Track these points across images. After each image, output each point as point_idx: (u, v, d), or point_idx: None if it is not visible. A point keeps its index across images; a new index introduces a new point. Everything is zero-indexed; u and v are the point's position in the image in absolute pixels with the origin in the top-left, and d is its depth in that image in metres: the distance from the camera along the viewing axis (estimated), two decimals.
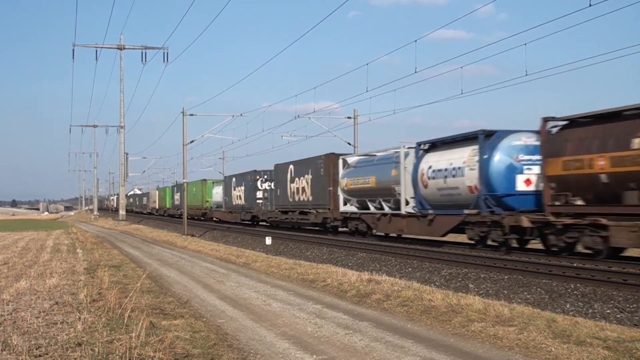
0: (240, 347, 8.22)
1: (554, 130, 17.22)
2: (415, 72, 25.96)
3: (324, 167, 30.83)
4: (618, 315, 10.84)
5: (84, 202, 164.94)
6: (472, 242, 20.44)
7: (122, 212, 57.38)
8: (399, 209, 24.00)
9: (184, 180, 44.24)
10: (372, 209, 26.44)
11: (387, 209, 25.17)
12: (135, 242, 32.62)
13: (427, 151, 22.66)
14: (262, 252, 24.40)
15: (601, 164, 15.10)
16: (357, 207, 28.18)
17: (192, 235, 36.39)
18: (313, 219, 32.04)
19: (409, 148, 23.92)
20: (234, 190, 47.19)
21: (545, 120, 17.25)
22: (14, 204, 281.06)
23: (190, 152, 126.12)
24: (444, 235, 22.04)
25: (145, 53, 53.83)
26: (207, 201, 57.34)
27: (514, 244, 19.19)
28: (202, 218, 58.09)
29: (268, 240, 28.00)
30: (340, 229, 30.38)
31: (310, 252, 23.88)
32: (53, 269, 15.82)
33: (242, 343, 8.49)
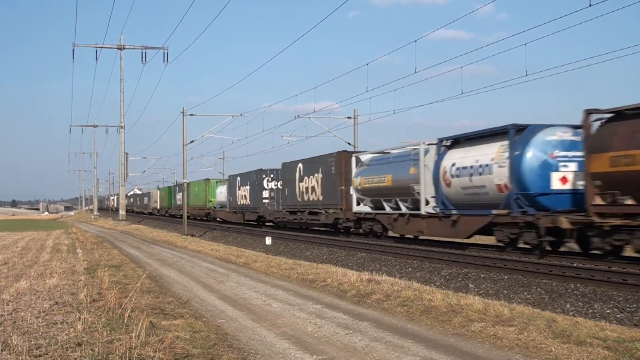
0: (240, 347, 8.22)
1: (597, 124, 15.91)
2: (415, 72, 25.98)
3: (335, 166, 29.58)
4: (618, 315, 10.84)
5: (84, 202, 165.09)
6: (501, 244, 18.87)
7: (122, 212, 57.39)
8: (417, 208, 22.74)
9: (184, 180, 44.26)
10: (388, 209, 25.06)
11: (404, 209, 23.83)
12: (135, 242, 32.62)
13: (449, 147, 21.21)
14: (262, 252, 24.40)
15: None
16: (370, 207, 26.82)
17: (192, 235, 36.40)
18: (324, 219, 30.73)
19: (429, 144, 22.43)
20: (239, 189, 45.91)
21: (588, 112, 15.96)
22: (14, 204, 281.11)
23: (190, 152, 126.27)
24: (468, 237, 20.74)
25: (145, 53, 53.96)
26: (211, 201, 56.22)
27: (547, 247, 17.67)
28: (205, 218, 57.17)
29: (268, 240, 28.00)
30: (352, 230, 28.91)
31: (310, 252, 23.88)
32: (53, 269, 15.82)
33: (242, 343, 8.49)
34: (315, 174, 31.70)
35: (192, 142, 44.00)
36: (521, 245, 18.41)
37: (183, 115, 41.13)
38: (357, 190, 27.40)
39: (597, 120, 16.01)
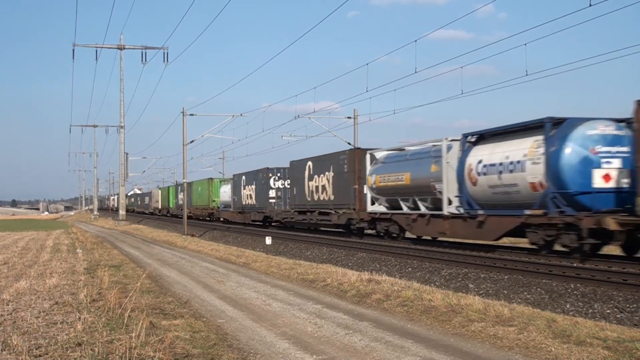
0: (240, 347, 8.22)
1: None
2: (415, 72, 25.86)
3: (348, 163, 28.45)
4: (618, 315, 10.84)
5: (84, 202, 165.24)
6: (534, 247, 17.64)
7: (122, 212, 57.38)
8: (437, 208, 21.59)
9: (184, 180, 44.28)
10: (405, 209, 23.90)
11: (423, 209, 22.66)
12: (135, 242, 32.63)
13: (474, 144, 19.97)
14: (262, 252, 24.41)
15: None
16: (386, 207, 25.61)
17: (192, 235, 36.41)
18: (335, 220, 29.46)
19: (451, 140, 21.22)
20: (244, 189, 44.69)
21: None
22: (14, 204, 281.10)
23: (190, 152, 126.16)
24: (497, 239, 19.42)
25: (145, 53, 53.95)
26: (214, 201, 54.87)
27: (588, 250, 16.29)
28: (208, 219, 55.89)
29: (268, 240, 28.01)
30: (366, 231, 27.80)
31: (310, 252, 23.89)
32: (53, 269, 15.83)
33: (242, 343, 8.49)
34: (326, 173, 30.62)
35: (192, 142, 44.05)
36: (558, 248, 17.12)
37: (183, 115, 41.16)
38: (371, 189, 26.20)
39: None
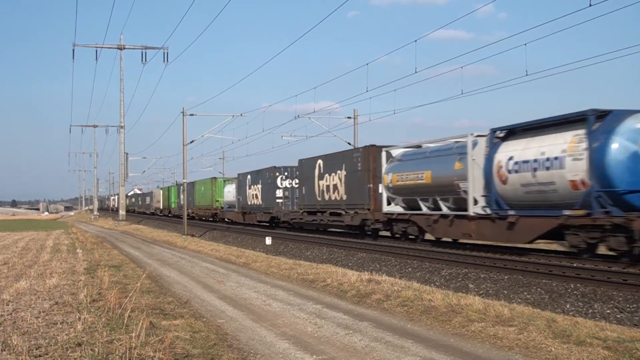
0: (240, 347, 8.22)
1: None
2: (415, 72, 25.86)
3: (362, 162, 26.95)
4: (618, 315, 10.84)
5: (84, 202, 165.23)
6: (574, 250, 16.23)
7: (122, 212, 57.41)
8: (460, 209, 20.32)
9: (184, 180, 44.30)
10: (425, 209, 22.50)
11: (445, 210, 21.29)
12: (135, 242, 32.63)
13: (504, 139, 18.56)
14: (262, 252, 24.41)
15: None
16: (403, 207, 24.23)
17: (192, 235, 36.42)
18: (348, 220, 27.89)
19: (477, 136, 19.84)
20: (249, 189, 43.18)
21: None
22: (14, 204, 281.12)
23: (190, 152, 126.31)
24: (530, 242, 18.02)
25: (145, 53, 54.04)
26: (218, 201, 52.99)
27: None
28: (212, 219, 54.52)
29: (268, 240, 28.01)
30: (380, 233, 26.53)
31: (310, 252, 23.90)
32: (53, 269, 15.83)
33: (242, 343, 8.49)
34: (338, 171, 29.18)
35: (192, 142, 44.09)
36: (601, 252, 16.13)
37: (183, 115, 41.17)
38: (388, 188, 24.68)
39: None
